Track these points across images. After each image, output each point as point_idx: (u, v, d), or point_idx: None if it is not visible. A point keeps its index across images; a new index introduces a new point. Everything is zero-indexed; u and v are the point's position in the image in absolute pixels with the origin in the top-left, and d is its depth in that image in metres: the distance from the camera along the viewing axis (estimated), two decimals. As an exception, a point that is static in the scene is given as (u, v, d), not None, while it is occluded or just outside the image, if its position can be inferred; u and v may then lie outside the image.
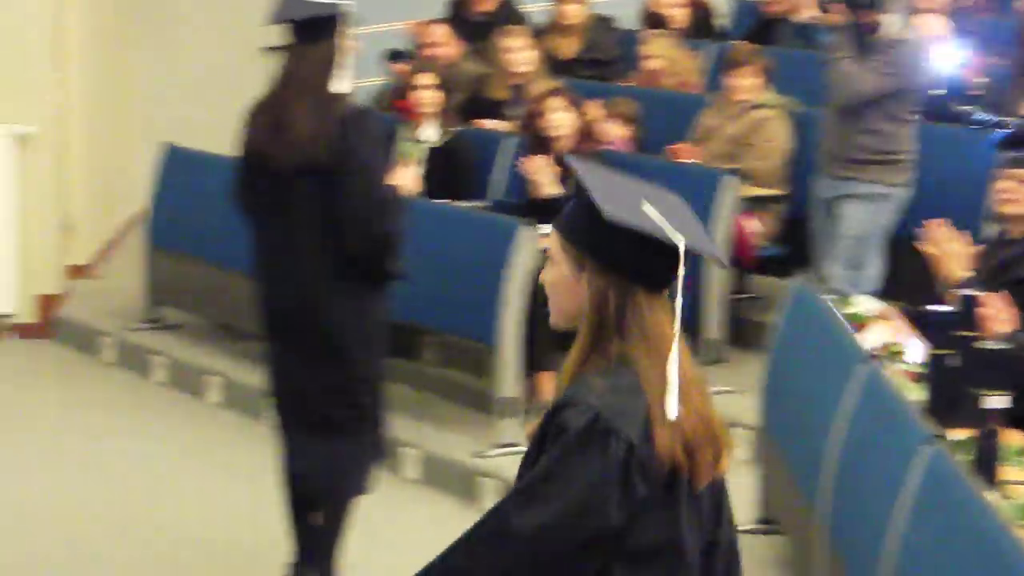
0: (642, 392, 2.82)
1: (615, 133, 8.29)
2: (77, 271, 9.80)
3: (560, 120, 7.66)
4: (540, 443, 2.86)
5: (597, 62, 9.76)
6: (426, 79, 8.38)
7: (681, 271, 2.82)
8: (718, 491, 2.95)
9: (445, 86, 8.41)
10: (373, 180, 5.36)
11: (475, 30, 9.73)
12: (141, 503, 6.84)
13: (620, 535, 2.79)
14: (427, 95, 8.30)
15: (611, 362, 2.85)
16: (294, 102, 5.32)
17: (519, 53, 8.90)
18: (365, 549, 5.94)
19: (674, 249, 2.80)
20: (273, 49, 9.07)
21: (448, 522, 6.00)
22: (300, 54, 5.37)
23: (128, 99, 11.43)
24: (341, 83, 5.33)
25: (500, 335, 6.85)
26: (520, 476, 2.92)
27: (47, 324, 9.24)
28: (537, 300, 6.93)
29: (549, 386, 7.15)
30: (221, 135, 9.82)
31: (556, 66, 9.33)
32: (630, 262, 2.84)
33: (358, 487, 5.61)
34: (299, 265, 5.39)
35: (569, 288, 2.89)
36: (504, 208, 7.73)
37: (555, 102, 7.71)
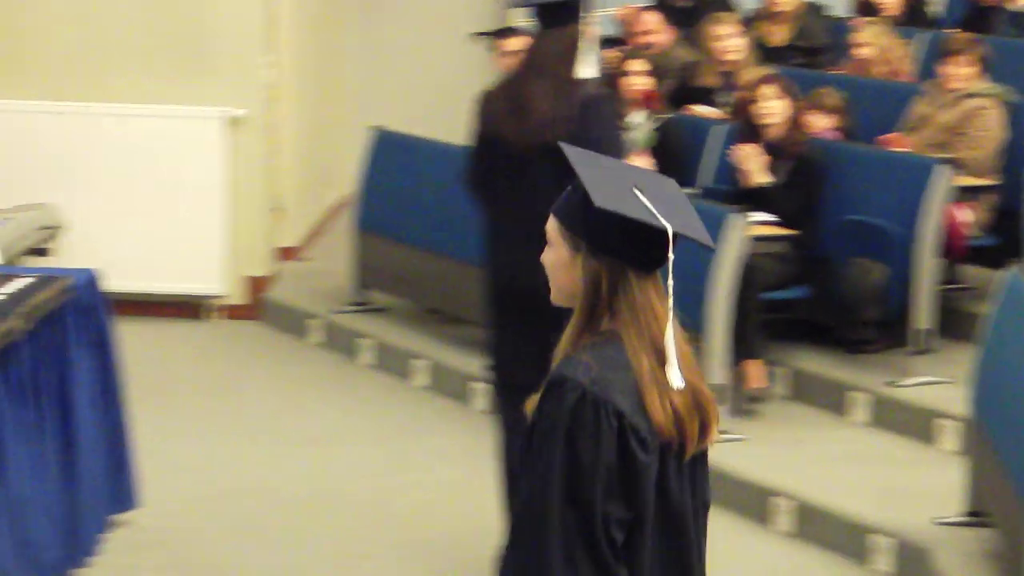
0: (630, 367, 2.95)
1: (820, 124, 8.20)
2: (286, 253, 9.95)
3: (772, 108, 7.61)
4: (534, 425, 2.98)
5: (807, 50, 9.65)
6: (637, 66, 8.39)
7: (670, 254, 2.95)
8: (701, 463, 3.08)
9: (656, 73, 8.40)
10: None
11: (684, 17, 9.70)
12: (346, 483, 6.92)
13: (622, 503, 2.91)
14: (638, 82, 8.31)
15: (601, 339, 2.99)
16: (535, 85, 5.36)
17: (728, 40, 8.85)
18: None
19: (662, 233, 2.94)
20: (482, 34, 9.18)
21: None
22: (544, 38, 5.41)
23: (338, 82, 11.58)
24: (583, 68, 5.36)
25: (709, 322, 6.81)
26: (520, 456, 3.05)
27: (256, 305, 9.39)
28: (745, 287, 6.89)
29: (756, 374, 7.10)
30: (429, 119, 9.98)
31: (766, 53, 9.25)
32: (620, 246, 2.98)
33: None
34: (532, 247, 5.40)
35: (566, 269, 3.04)
36: (713, 195, 7.68)
37: (768, 89, 7.66)
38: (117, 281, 6.75)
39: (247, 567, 6.03)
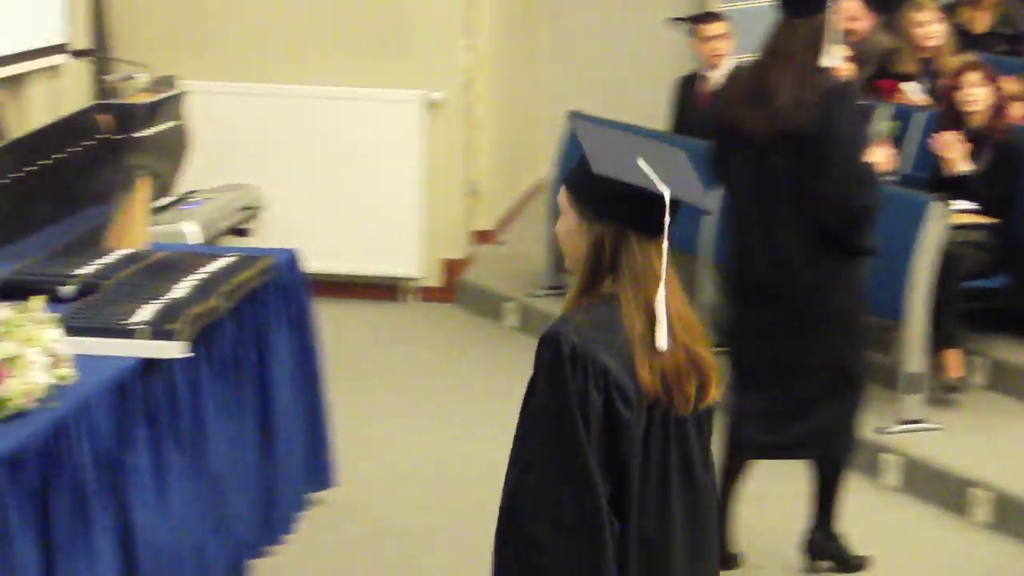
0: (622, 328, 3.12)
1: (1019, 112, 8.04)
2: (481, 236, 10.00)
3: (976, 95, 7.49)
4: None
5: (1010, 37, 9.47)
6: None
7: (667, 218, 3.11)
8: (704, 419, 3.25)
9: (856, 60, 8.29)
10: (851, 155, 5.40)
11: (884, 3, 9.55)
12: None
13: (606, 456, 3.09)
14: (841, 68, 8.22)
15: (599, 301, 3.17)
16: (778, 73, 5.36)
17: (929, 27, 8.72)
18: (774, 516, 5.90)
19: (661, 198, 3.10)
20: (681, 20, 9.14)
21: (849, 497, 5.94)
22: (790, 27, 5.41)
23: (534, 65, 11.60)
24: (828, 57, 5.35)
25: (908, 311, 6.72)
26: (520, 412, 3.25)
27: (451, 288, 9.46)
28: (945, 276, 6.79)
29: (954, 363, 7.01)
30: (623, 104, 9.96)
31: (968, 40, 9.09)
32: (620, 211, 3.15)
33: (850, 446, 5.70)
34: (773, 235, 5.45)
35: (574, 236, 3.21)
36: (913, 183, 7.58)
37: (973, 76, 7.54)
38: (316, 262, 6.84)
39: (439, 548, 6.08)
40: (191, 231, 7.63)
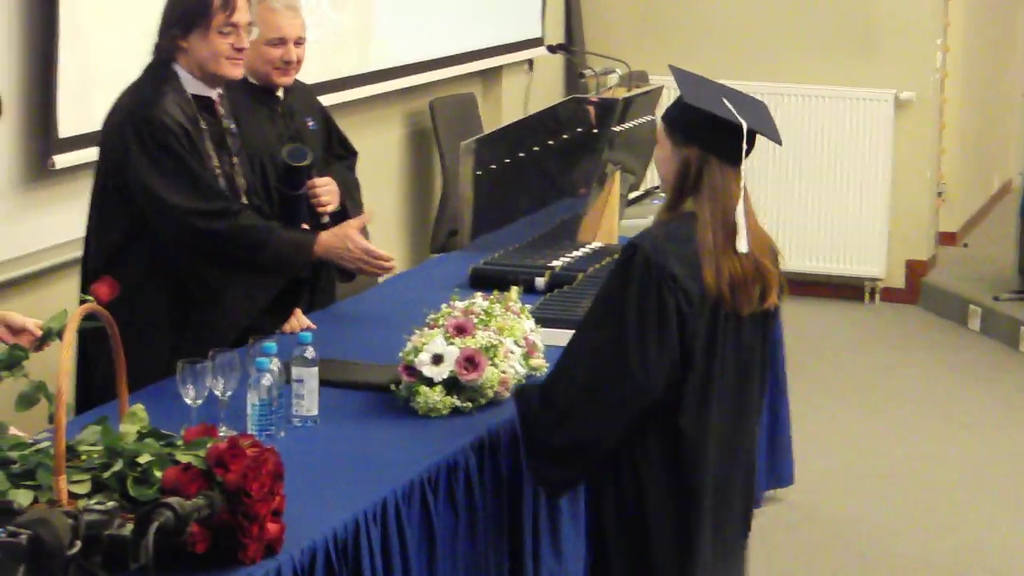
0: (693, 240, 3.62)
1: None
2: (947, 238, 9.82)
3: None
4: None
5: None
6: None
7: (744, 146, 3.63)
8: (767, 319, 3.80)
9: None
10: None
11: None
12: (1000, 472, 6.79)
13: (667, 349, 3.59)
14: None
15: (676, 216, 3.70)
16: None
17: None
18: None
19: (739, 128, 3.63)
20: None
21: None
22: None
23: (1006, 64, 11.30)
24: None
25: None
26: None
27: (914, 290, 9.31)
28: None
29: None
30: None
31: None
32: (705, 136, 3.67)
33: None
34: None
35: (667, 161, 3.73)
36: None
37: None
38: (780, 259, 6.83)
39: (896, 553, 6.00)
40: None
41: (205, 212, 4.42)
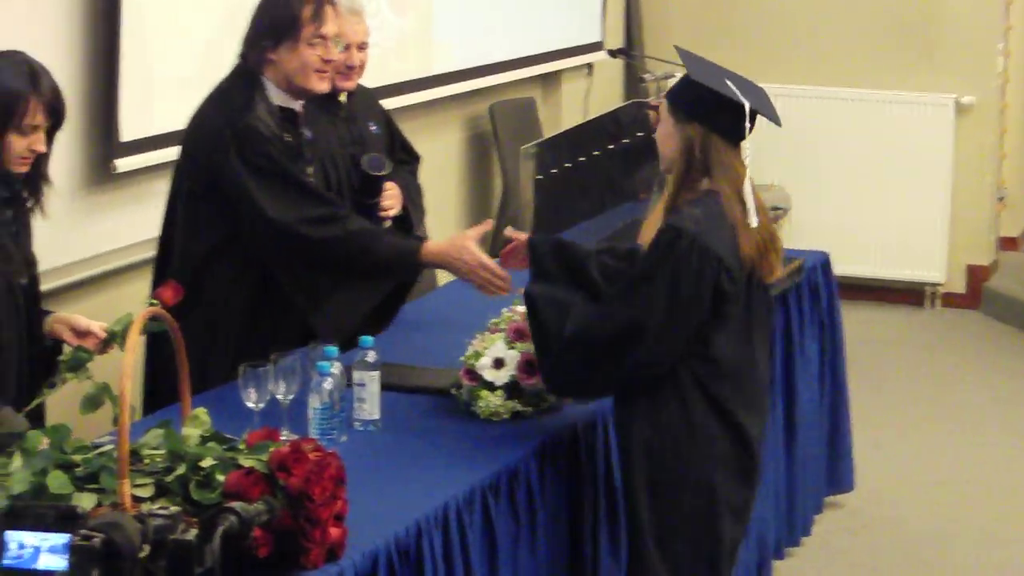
0: (727, 216, 3.82)
1: None
2: (1008, 243, 9.75)
3: None
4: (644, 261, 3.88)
5: None
6: None
7: (748, 125, 3.83)
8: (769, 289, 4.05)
9: None
10: None
11: None
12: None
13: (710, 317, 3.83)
14: None
15: (703, 194, 3.86)
16: None
17: None
18: None
19: (741, 107, 3.81)
20: None
21: None
22: None
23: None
24: None
25: None
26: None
27: (975, 295, 9.25)
28: None
29: None
30: None
31: None
32: (709, 115, 3.85)
33: None
34: None
35: (670, 138, 3.91)
36: None
37: None
38: (840, 264, 6.80)
39: (955, 561, 5.96)
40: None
41: (313, 219, 4.38)
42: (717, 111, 3.85)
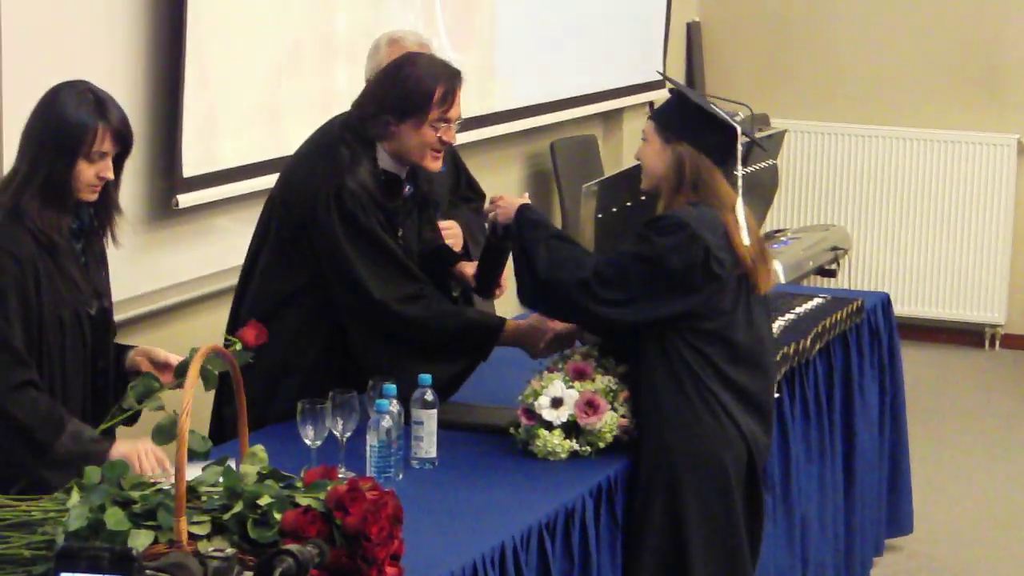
0: (719, 220, 4.04)
1: None
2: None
3: None
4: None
5: None
6: None
7: (738, 147, 4.03)
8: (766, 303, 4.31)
9: None
10: None
11: None
12: None
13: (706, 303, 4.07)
14: None
15: (693, 204, 4.04)
16: None
17: None
18: None
19: (733, 129, 4.03)
20: None
21: None
22: None
23: None
24: None
25: None
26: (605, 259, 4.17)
27: (1038, 335, 9.22)
28: None
29: None
30: None
31: None
32: (699, 135, 4.04)
33: None
34: None
35: (657, 157, 4.10)
36: None
37: None
38: (900, 305, 6.80)
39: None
40: (777, 270, 7.69)
41: (401, 298, 4.36)
42: (707, 132, 4.05)
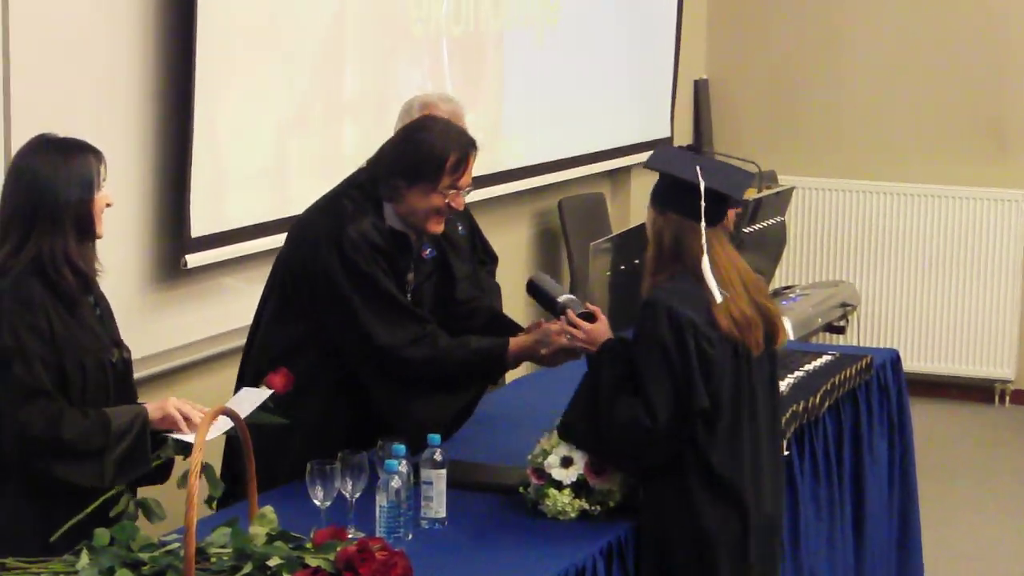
0: (701, 291, 3.97)
1: None
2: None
3: None
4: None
5: None
6: None
7: (702, 203, 3.97)
8: (773, 362, 4.18)
9: None
10: None
11: None
12: None
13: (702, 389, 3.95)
14: None
15: (678, 274, 4.02)
16: None
17: None
18: None
19: (695, 186, 3.96)
20: None
21: None
22: None
23: None
24: None
25: None
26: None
27: (1043, 392, 9.20)
28: None
29: None
30: None
31: None
32: (671, 200, 4.04)
33: None
34: None
35: (649, 225, 4.12)
36: None
37: None
38: (910, 360, 6.80)
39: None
40: (787, 327, 7.68)
41: (406, 342, 4.37)
42: (680, 196, 4.02)
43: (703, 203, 3.98)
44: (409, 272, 4.53)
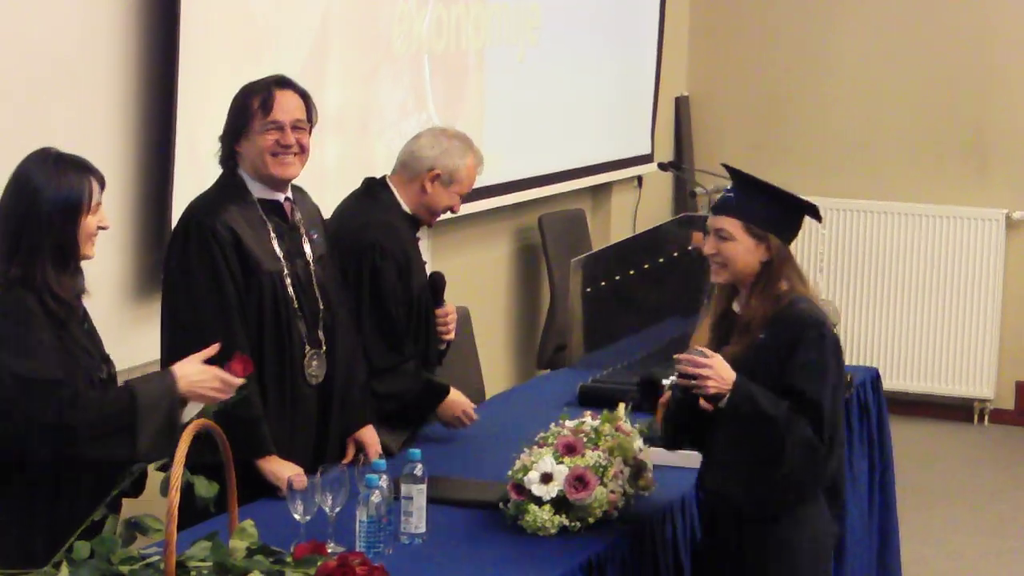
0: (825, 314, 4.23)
1: None
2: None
3: None
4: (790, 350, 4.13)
5: None
6: None
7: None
8: None
9: None
10: None
11: None
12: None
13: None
14: None
15: (786, 296, 4.13)
16: None
17: None
18: None
19: (802, 208, 4.23)
20: None
21: None
22: None
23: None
24: None
25: None
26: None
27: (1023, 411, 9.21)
28: None
29: None
30: None
31: None
32: (782, 225, 4.17)
33: None
34: None
35: (749, 255, 4.12)
36: None
37: None
38: (889, 379, 6.81)
39: None
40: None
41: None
42: (787, 217, 4.19)
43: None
44: (300, 243, 4.58)
